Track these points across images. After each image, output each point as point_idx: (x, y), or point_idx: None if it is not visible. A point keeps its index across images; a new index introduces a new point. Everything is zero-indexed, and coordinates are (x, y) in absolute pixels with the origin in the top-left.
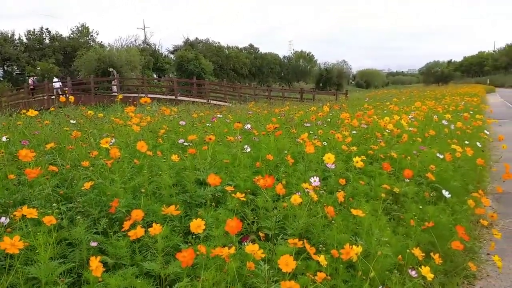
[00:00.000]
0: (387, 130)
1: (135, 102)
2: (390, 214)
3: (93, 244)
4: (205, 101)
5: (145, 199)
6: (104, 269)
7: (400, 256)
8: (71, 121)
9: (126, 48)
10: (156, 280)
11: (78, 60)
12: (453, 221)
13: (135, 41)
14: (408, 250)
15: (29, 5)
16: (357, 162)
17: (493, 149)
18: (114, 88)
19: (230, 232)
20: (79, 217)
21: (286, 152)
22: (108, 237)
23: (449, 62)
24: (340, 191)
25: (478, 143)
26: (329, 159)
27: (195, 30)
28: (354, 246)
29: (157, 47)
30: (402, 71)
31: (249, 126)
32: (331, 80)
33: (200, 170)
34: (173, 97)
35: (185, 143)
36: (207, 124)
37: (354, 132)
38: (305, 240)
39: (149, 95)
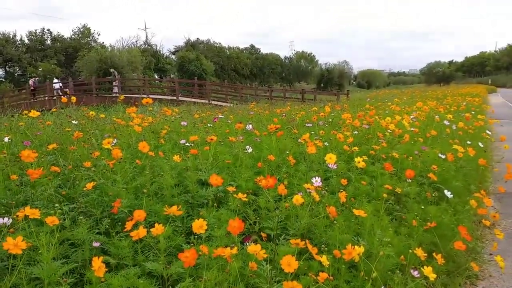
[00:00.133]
0: (388, 130)
1: (136, 103)
2: (392, 215)
3: (96, 244)
4: (207, 101)
5: (147, 200)
6: (106, 269)
7: (402, 256)
8: (73, 122)
9: (128, 49)
10: (159, 280)
11: (80, 61)
12: (455, 221)
13: (136, 41)
14: (410, 250)
15: (31, 6)
16: (358, 162)
17: (495, 150)
18: (115, 89)
19: (232, 232)
20: (81, 217)
21: (287, 152)
22: (110, 237)
23: (451, 62)
24: (342, 191)
25: (480, 143)
26: (331, 159)
27: (196, 30)
28: (356, 247)
29: (158, 47)
30: (404, 71)
31: (250, 126)
32: (333, 81)
33: (202, 170)
34: (175, 97)
35: (187, 144)
36: (209, 125)
37: (356, 132)
38: (307, 241)
39: (150, 96)
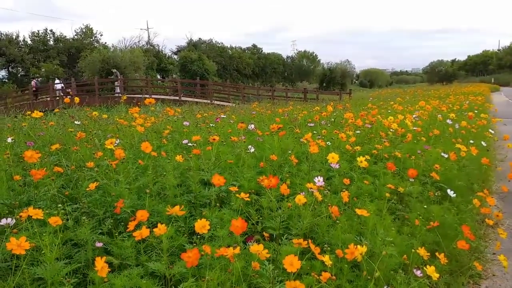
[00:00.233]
0: (391, 130)
1: (139, 103)
2: (394, 214)
3: (99, 244)
4: (209, 101)
5: (150, 200)
6: (109, 270)
7: (405, 255)
8: (76, 122)
9: (130, 49)
10: (161, 280)
11: (82, 61)
12: (458, 221)
13: (138, 42)
14: (413, 250)
15: (34, 7)
16: (361, 161)
17: (498, 148)
18: (117, 89)
19: (234, 232)
20: (84, 217)
21: (290, 152)
22: (113, 237)
23: (453, 61)
24: (344, 191)
25: (483, 142)
26: (333, 158)
27: (198, 30)
28: (358, 246)
29: (160, 47)
30: (406, 71)
31: (252, 126)
32: (335, 80)
33: (205, 170)
34: (177, 97)
35: (189, 144)
36: (211, 125)
37: (358, 131)
38: (309, 240)
39: (153, 96)
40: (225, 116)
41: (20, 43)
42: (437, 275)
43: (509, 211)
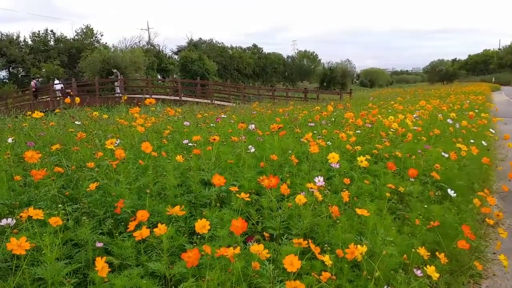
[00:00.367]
0: (391, 129)
1: (139, 103)
2: (395, 214)
3: (99, 244)
4: (209, 101)
5: (150, 200)
6: (109, 270)
7: (405, 255)
8: (76, 123)
9: (130, 49)
10: (162, 281)
11: (83, 61)
12: (459, 220)
13: (139, 42)
14: (413, 250)
15: (34, 7)
16: (361, 161)
17: (499, 148)
18: (117, 89)
19: (235, 232)
20: (84, 217)
21: (290, 152)
22: (113, 237)
23: (454, 60)
24: (344, 191)
25: (483, 142)
26: (334, 158)
27: (199, 30)
28: (359, 246)
29: (161, 48)
30: (407, 70)
31: (253, 126)
32: (335, 80)
33: (205, 170)
34: (177, 97)
35: (190, 144)
36: (211, 125)
37: (359, 131)
38: (310, 240)
39: (153, 96)
40: (225, 116)
41: (21, 44)
42: (437, 275)
43: (509, 211)
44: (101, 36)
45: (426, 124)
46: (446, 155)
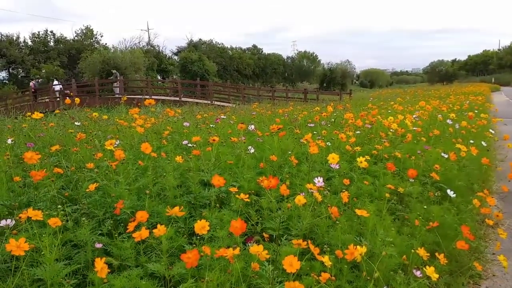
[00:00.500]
0: (391, 130)
1: (139, 104)
2: (394, 214)
3: (98, 245)
4: (209, 102)
5: (150, 201)
6: (109, 271)
7: (404, 256)
8: (76, 123)
9: (130, 50)
10: (161, 281)
11: (83, 62)
12: (458, 221)
13: (139, 42)
14: (412, 250)
15: (34, 8)
16: (361, 162)
17: (499, 148)
18: (117, 89)
19: (234, 233)
20: (84, 218)
21: (290, 152)
22: (113, 238)
23: (454, 61)
24: (344, 192)
25: (483, 142)
26: (333, 159)
27: (198, 31)
28: (358, 247)
29: (161, 48)
30: (406, 71)
31: (252, 127)
32: (335, 80)
33: (204, 171)
34: (177, 98)
35: (189, 145)
36: (211, 125)
37: (358, 132)
38: (309, 241)
39: (153, 97)
40: (225, 117)
41: (21, 44)
42: (437, 276)
43: (509, 211)
44: (101, 37)
45: (425, 125)
46: (446, 156)
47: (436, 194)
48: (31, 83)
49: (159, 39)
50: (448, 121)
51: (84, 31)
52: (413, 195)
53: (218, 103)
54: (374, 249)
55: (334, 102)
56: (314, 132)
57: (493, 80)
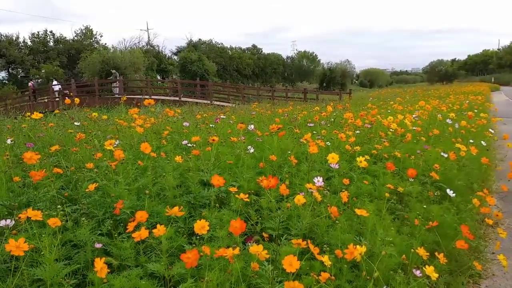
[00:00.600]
0: (391, 130)
1: (139, 104)
2: (394, 214)
3: (98, 245)
4: (209, 102)
5: (149, 201)
6: (108, 271)
7: (404, 255)
8: (75, 123)
9: (130, 50)
10: (161, 281)
11: (82, 62)
12: (458, 220)
13: (138, 42)
14: (412, 250)
15: (33, 8)
16: (360, 161)
17: (498, 148)
18: (116, 89)
19: (234, 233)
20: (83, 218)
21: (289, 152)
22: (112, 238)
23: (453, 60)
24: (344, 191)
25: (482, 142)
26: (333, 159)
27: (198, 31)
28: (358, 246)
29: (160, 48)
30: (406, 70)
31: (252, 126)
32: (335, 80)
33: (204, 171)
34: (177, 98)
35: (189, 144)
36: (211, 125)
37: (358, 131)
38: (309, 241)
39: (153, 97)
40: (224, 117)
41: (20, 45)
42: (436, 275)
43: (509, 211)
44: (101, 37)
45: (425, 124)
46: (445, 155)
47: (435, 194)
48: (30, 84)
49: (158, 39)
50: (448, 120)
51: (84, 31)
52: (412, 194)
53: (218, 103)
54: (373, 248)
55: (333, 102)
56: (314, 132)
57: (492, 80)
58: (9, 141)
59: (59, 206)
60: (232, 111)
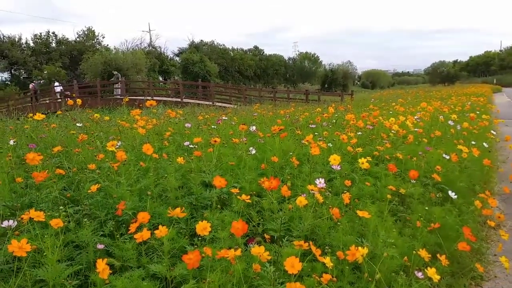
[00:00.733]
0: (392, 131)
1: (141, 105)
2: (396, 215)
3: (100, 246)
4: (211, 103)
5: (151, 202)
6: (110, 271)
7: (406, 257)
8: (78, 124)
9: (132, 51)
10: (162, 282)
11: (84, 63)
12: (460, 222)
13: (140, 44)
14: (414, 252)
15: (34, 8)
16: (362, 163)
17: (500, 150)
18: (118, 91)
19: (235, 234)
20: (86, 219)
21: (291, 153)
22: (114, 239)
23: (455, 62)
24: (345, 193)
25: (484, 144)
26: (335, 160)
27: (200, 32)
28: (360, 248)
29: (162, 49)
30: (408, 71)
31: (254, 128)
32: (337, 81)
33: (206, 172)
34: (179, 99)
35: (191, 146)
36: (213, 126)
37: (360, 133)
38: (310, 242)
39: (155, 98)
40: (226, 118)
41: (23, 46)
42: (438, 277)
43: (511, 213)
44: (103, 38)
45: (427, 126)
46: (447, 157)
47: (437, 195)
48: (30, 85)
49: (160, 40)
50: (450, 122)
51: (86, 32)
52: (414, 196)
53: (220, 104)
54: (375, 250)
55: (335, 103)
56: (316, 133)
57: (494, 81)
58: (11, 142)
59: (61, 207)
60: (234, 112)
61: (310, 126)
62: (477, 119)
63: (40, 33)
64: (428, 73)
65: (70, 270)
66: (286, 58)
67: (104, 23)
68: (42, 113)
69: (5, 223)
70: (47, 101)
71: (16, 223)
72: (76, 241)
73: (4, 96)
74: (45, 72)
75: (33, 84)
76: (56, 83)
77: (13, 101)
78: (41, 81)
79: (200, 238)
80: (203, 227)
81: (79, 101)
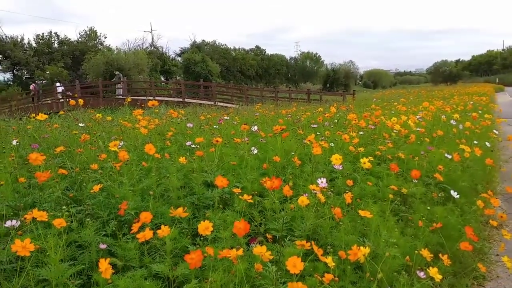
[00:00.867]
0: (394, 131)
1: (143, 105)
2: (398, 215)
3: (103, 246)
4: (212, 103)
5: (154, 202)
6: (113, 271)
7: (408, 257)
8: (80, 125)
9: (134, 51)
10: (165, 282)
11: (86, 63)
12: (462, 222)
13: (142, 44)
14: (416, 251)
15: (35, 9)
16: (364, 163)
17: (503, 149)
18: (120, 91)
19: (237, 234)
20: (88, 219)
21: (293, 153)
22: (117, 239)
23: (457, 61)
24: (347, 192)
25: (487, 143)
26: (337, 160)
27: (202, 32)
28: (361, 247)
29: (164, 49)
30: (410, 71)
31: (256, 127)
32: (338, 81)
33: (208, 172)
34: (181, 99)
35: (193, 145)
36: (214, 126)
37: (361, 133)
38: (312, 242)
39: (156, 98)
40: (228, 118)
41: (25, 46)
42: (440, 277)
43: None
44: (105, 38)
45: (429, 125)
46: (449, 157)
47: (439, 195)
48: (31, 86)
49: (162, 40)
50: (452, 121)
51: (88, 32)
52: (416, 196)
53: (221, 104)
54: (377, 250)
55: (337, 103)
56: (317, 133)
57: (497, 81)
58: (14, 142)
59: (64, 207)
60: (236, 112)
61: (312, 125)
62: (479, 119)
63: (42, 34)
64: (430, 73)
65: (72, 270)
66: (288, 58)
67: (105, 23)
68: (45, 113)
69: (8, 223)
70: (49, 102)
71: (19, 223)
72: (79, 241)
73: (6, 97)
74: (47, 72)
75: (34, 84)
76: (58, 84)
77: (15, 101)
78: (43, 82)
79: (202, 237)
80: (205, 227)
81: (81, 101)
